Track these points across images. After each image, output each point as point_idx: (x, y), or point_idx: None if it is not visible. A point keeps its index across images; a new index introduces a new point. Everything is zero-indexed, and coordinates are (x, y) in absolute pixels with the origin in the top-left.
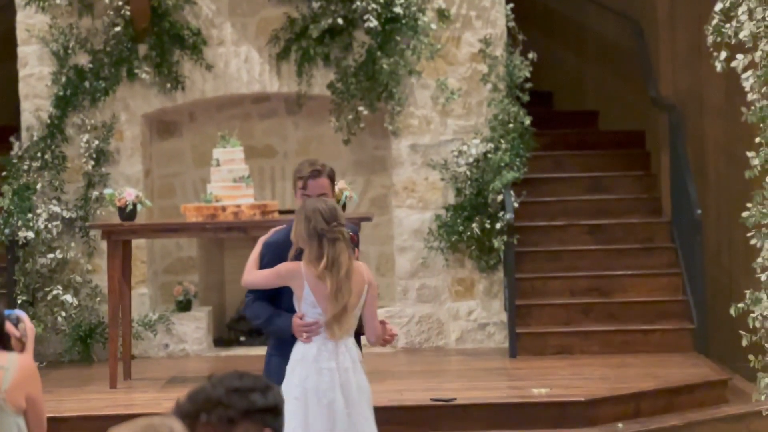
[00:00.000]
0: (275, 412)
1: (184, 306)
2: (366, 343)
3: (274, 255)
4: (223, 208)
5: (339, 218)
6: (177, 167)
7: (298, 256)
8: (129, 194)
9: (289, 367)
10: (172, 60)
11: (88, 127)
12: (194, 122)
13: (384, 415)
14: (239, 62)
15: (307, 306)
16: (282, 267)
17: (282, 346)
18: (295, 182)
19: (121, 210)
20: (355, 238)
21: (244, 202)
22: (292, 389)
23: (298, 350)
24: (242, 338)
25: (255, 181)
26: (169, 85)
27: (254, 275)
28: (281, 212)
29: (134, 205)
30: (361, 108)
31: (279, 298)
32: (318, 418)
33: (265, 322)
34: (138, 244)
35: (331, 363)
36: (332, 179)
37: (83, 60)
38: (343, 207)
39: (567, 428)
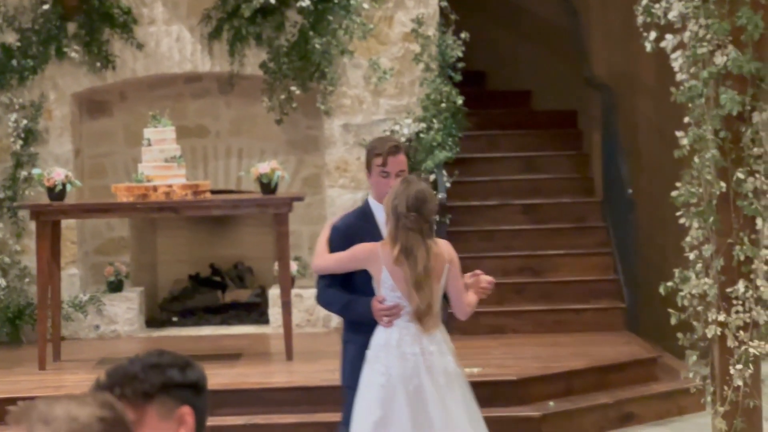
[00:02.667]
0: (196, 389)
1: (116, 287)
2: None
3: (343, 239)
4: (155, 188)
5: (423, 210)
6: (108, 147)
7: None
8: (58, 174)
9: (371, 354)
10: (102, 39)
11: (17, 107)
12: (125, 102)
13: (317, 394)
14: (171, 41)
15: (386, 290)
16: (358, 249)
17: (357, 332)
18: (370, 160)
19: (50, 190)
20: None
21: (175, 181)
22: (376, 377)
23: (380, 336)
24: (174, 318)
25: (187, 161)
26: (99, 64)
27: (327, 259)
28: (213, 192)
29: (63, 185)
30: (293, 88)
31: (352, 283)
32: (405, 405)
33: (343, 308)
34: (68, 224)
35: (414, 347)
36: (408, 156)
37: (11, 38)
38: (275, 187)
39: (499, 407)
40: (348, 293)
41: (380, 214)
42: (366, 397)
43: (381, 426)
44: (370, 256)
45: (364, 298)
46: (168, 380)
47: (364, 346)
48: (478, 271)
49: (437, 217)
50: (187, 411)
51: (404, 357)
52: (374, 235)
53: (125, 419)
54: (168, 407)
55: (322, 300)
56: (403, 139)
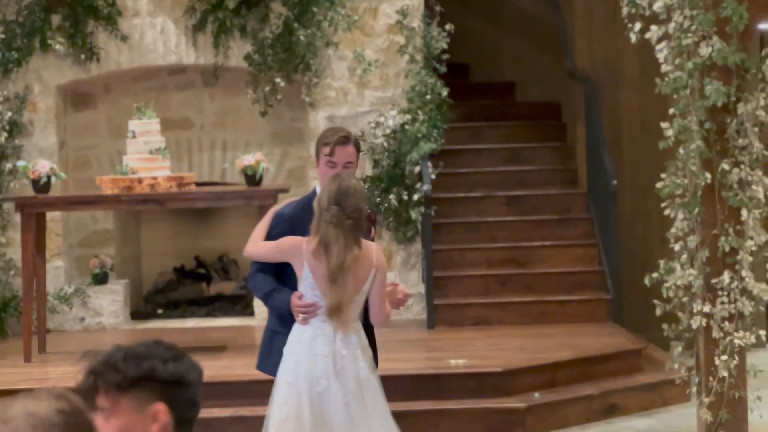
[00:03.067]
0: (177, 384)
1: (101, 279)
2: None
3: (285, 228)
4: (139, 180)
5: (343, 204)
6: (92, 139)
7: None
8: (43, 166)
9: (285, 349)
10: (86, 31)
11: (1, 99)
12: (110, 94)
13: None
14: (155, 33)
15: (306, 287)
16: (285, 241)
17: (286, 323)
18: (319, 149)
19: (35, 182)
20: (373, 216)
21: (160, 174)
22: (285, 374)
23: (295, 333)
24: (159, 311)
25: (171, 153)
26: (83, 57)
27: (257, 247)
28: (198, 184)
29: (48, 177)
30: (278, 80)
31: (284, 272)
32: (308, 406)
33: (266, 296)
34: (53, 217)
35: (326, 348)
36: (358, 148)
37: None
38: (260, 179)
39: (484, 398)
40: (276, 282)
41: None
42: (275, 394)
43: (283, 425)
44: (293, 250)
45: (287, 291)
46: (145, 373)
47: None
48: (395, 282)
49: (370, 219)
50: (160, 408)
51: (315, 357)
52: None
53: (82, 409)
54: (142, 400)
55: (250, 284)
56: (388, 131)
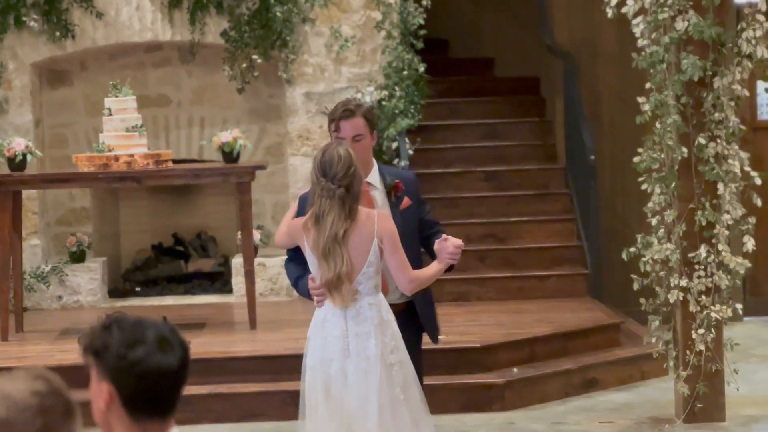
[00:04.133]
0: (126, 371)
1: (78, 257)
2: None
3: (305, 211)
4: (116, 158)
5: (330, 173)
6: (69, 117)
7: None
8: (18, 144)
9: (308, 333)
10: (61, 8)
11: None
12: (86, 71)
13: (281, 363)
14: (131, 10)
15: (314, 268)
16: (291, 224)
17: None
18: (329, 126)
19: (11, 160)
20: (400, 185)
21: (137, 151)
22: (307, 359)
23: (315, 316)
24: (137, 288)
25: (149, 131)
26: (58, 34)
27: (277, 235)
28: (175, 161)
29: (24, 155)
30: (254, 56)
31: None
32: (321, 391)
33: (294, 284)
34: (29, 195)
35: (336, 330)
36: (369, 119)
37: None
38: (238, 155)
39: (463, 374)
40: (302, 269)
41: None
42: (302, 380)
43: (314, 411)
44: (296, 232)
45: (309, 276)
46: (102, 348)
47: None
48: (444, 236)
49: (396, 189)
50: (104, 388)
51: (326, 339)
52: None
53: (61, 389)
54: (98, 373)
55: (286, 273)
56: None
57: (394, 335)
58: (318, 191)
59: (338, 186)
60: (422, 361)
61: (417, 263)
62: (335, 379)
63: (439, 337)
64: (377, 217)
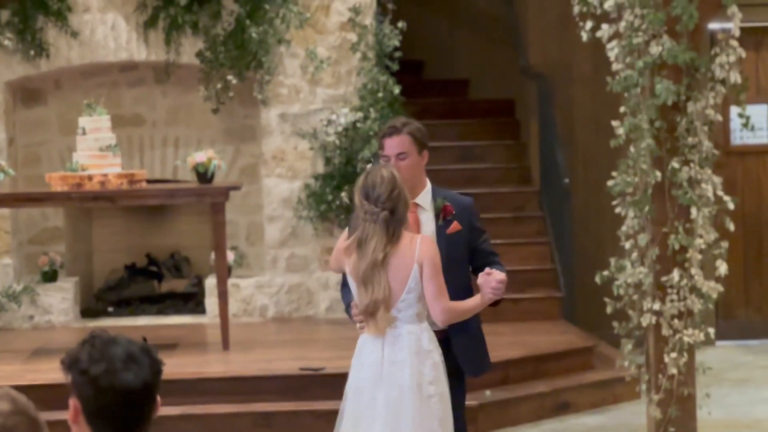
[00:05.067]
0: (88, 384)
1: (50, 276)
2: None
3: (351, 230)
4: (90, 177)
5: (373, 195)
6: (42, 136)
7: None
8: None
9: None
10: (35, 26)
11: None
12: (60, 90)
13: (253, 384)
14: (106, 29)
15: (355, 293)
16: (337, 247)
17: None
18: (378, 145)
19: None
20: (450, 208)
21: (111, 171)
22: (347, 385)
23: (358, 342)
24: (110, 309)
25: (123, 150)
26: (33, 52)
27: (331, 259)
28: (149, 181)
29: None
30: (230, 77)
31: None
32: (354, 419)
33: (346, 310)
34: (2, 213)
35: (372, 356)
36: (416, 137)
37: None
38: (212, 176)
39: None
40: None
41: None
42: (341, 407)
43: None
44: (340, 253)
45: (352, 302)
46: (72, 363)
47: None
48: (488, 270)
49: (446, 212)
50: (72, 403)
51: (362, 366)
52: None
53: (26, 408)
54: (71, 386)
55: (341, 297)
56: (340, 129)
57: (436, 366)
58: (362, 215)
59: (382, 209)
60: (461, 396)
61: (464, 292)
62: (366, 407)
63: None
64: (420, 240)
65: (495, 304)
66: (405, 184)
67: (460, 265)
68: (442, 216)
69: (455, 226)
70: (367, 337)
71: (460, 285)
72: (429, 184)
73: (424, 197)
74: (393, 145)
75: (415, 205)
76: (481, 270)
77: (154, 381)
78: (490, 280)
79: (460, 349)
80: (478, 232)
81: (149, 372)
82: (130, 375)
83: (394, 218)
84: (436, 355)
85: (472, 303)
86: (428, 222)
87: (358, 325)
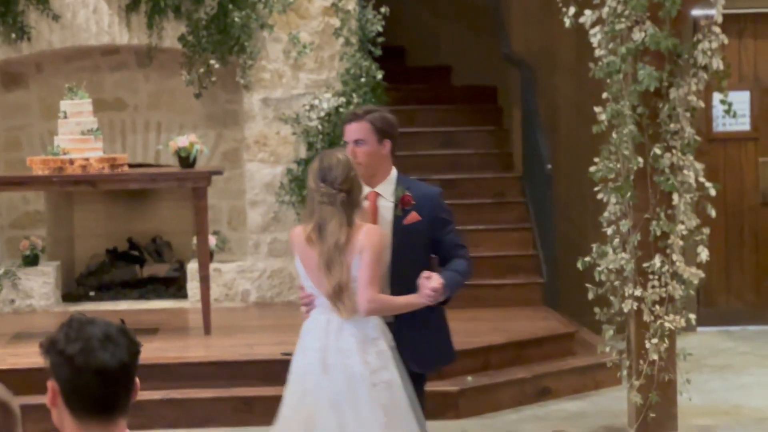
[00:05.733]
0: (64, 364)
1: (31, 261)
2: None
3: None
4: (71, 161)
5: (328, 178)
6: (23, 119)
7: None
8: None
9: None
10: (16, 9)
11: None
12: (41, 74)
13: (234, 369)
14: (87, 13)
15: (303, 277)
16: (291, 233)
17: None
18: None
19: None
20: (408, 197)
21: (92, 155)
22: (292, 371)
23: (302, 327)
24: (92, 293)
25: (105, 135)
26: (14, 36)
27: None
28: (131, 166)
29: None
30: (212, 61)
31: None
32: (295, 405)
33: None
34: None
35: (317, 342)
36: (377, 126)
37: None
38: (194, 161)
39: None
40: None
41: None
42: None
43: (278, 424)
44: (299, 244)
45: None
46: (49, 344)
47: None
48: (427, 273)
49: (404, 202)
50: (50, 385)
51: (305, 352)
52: None
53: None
54: (48, 369)
55: None
56: (322, 114)
57: (381, 354)
58: (318, 198)
59: (339, 191)
60: (421, 388)
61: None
62: (310, 393)
63: (393, 343)
64: (366, 230)
65: (444, 302)
66: (363, 171)
67: (418, 256)
68: (400, 206)
69: (413, 216)
70: (310, 323)
71: (416, 277)
72: (394, 174)
73: (386, 186)
74: (351, 131)
75: (376, 194)
76: (448, 261)
77: (132, 362)
78: (426, 284)
79: (407, 344)
80: (441, 223)
81: (126, 353)
82: (106, 354)
83: (350, 201)
84: (382, 343)
85: (404, 300)
86: (387, 212)
87: (303, 308)
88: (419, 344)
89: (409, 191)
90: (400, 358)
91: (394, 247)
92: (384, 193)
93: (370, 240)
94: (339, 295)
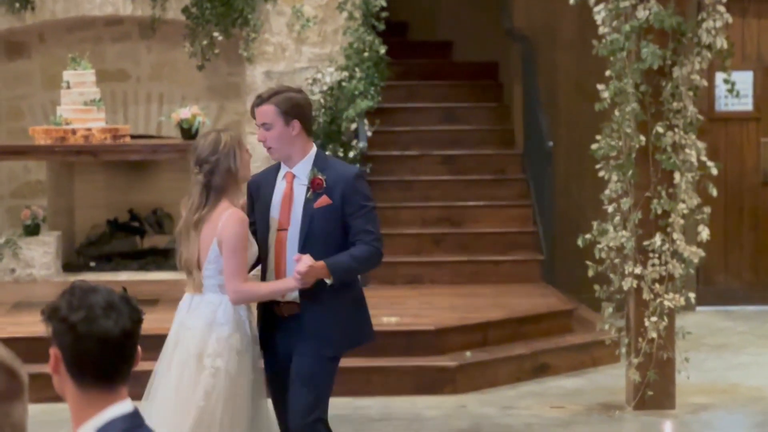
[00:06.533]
0: (69, 332)
1: (32, 230)
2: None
3: (251, 194)
4: (73, 131)
5: (200, 154)
6: (25, 89)
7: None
8: None
9: None
10: None
11: None
12: (44, 44)
13: None
14: None
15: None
16: None
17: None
18: None
19: None
20: (318, 180)
21: (94, 125)
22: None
23: None
24: (92, 263)
25: (107, 105)
26: (17, 5)
27: None
28: (133, 137)
29: None
30: (215, 34)
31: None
32: (156, 374)
33: None
34: None
35: (177, 317)
36: (282, 108)
37: None
38: (196, 133)
39: (416, 357)
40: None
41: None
42: None
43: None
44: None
45: None
46: (52, 312)
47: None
48: (297, 256)
49: (314, 185)
50: (53, 352)
51: (172, 324)
52: (268, 185)
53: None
54: (51, 337)
55: None
56: (325, 88)
57: (221, 340)
58: (191, 177)
59: (198, 171)
60: (330, 369)
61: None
62: (162, 363)
63: (392, 319)
64: (226, 215)
65: (342, 286)
66: (276, 154)
67: (329, 240)
68: (311, 189)
69: (324, 200)
70: (183, 297)
71: (324, 258)
72: (313, 154)
73: (302, 167)
74: (258, 115)
75: (292, 176)
76: (353, 246)
77: (134, 330)
78: (296, 266)
79: (310, 325)
80: (352, 206)
81: (129, 320)
82: (109, 322)
83: (211, 183)
84: (226, 330)
85: (271, 287)
86: (301, 194)
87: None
88: (324, 326)
89: (324, 173)
90: (304, 338)
91: (304, 231)
92: (300, 175)
93: (227, 229)
94: (188, 270)
